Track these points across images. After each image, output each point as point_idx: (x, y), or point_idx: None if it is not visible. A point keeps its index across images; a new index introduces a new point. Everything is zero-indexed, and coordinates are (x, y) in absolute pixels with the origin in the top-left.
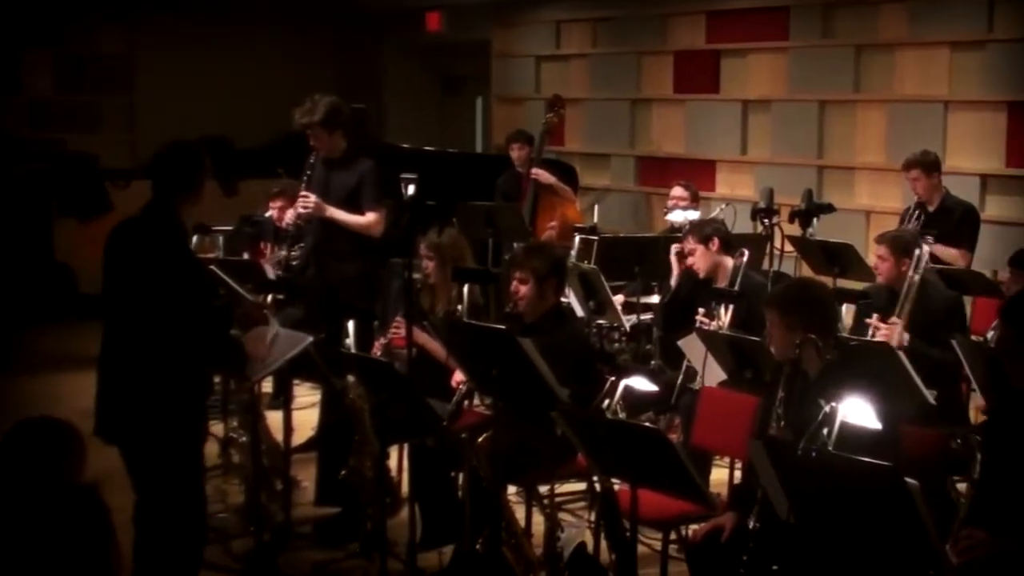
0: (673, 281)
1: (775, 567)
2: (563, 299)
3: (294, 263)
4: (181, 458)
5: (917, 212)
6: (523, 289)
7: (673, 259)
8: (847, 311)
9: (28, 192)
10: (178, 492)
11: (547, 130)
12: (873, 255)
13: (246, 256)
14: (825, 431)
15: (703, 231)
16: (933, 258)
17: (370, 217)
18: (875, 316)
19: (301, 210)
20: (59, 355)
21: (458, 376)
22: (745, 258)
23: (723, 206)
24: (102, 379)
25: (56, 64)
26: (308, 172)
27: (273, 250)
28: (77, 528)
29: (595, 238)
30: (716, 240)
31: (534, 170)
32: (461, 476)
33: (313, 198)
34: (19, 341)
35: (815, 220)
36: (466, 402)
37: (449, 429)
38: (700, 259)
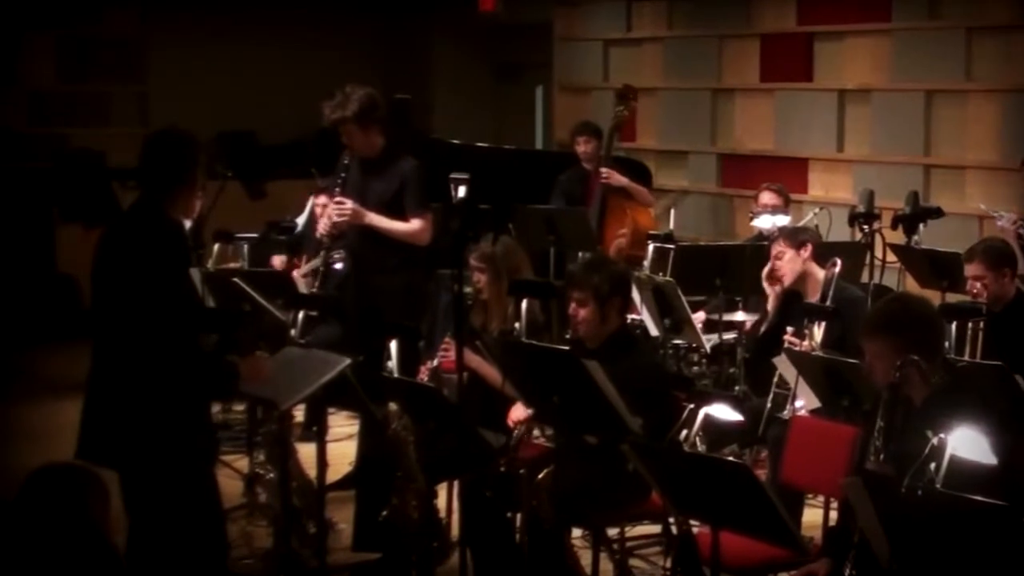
0: (769, 307)
1: None
2: (635, 316)
3: (337, 267)
4: (181, 490)
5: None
6: (582, 312)
7: (765, 283)
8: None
9: (27, 195)
10: (181, 528)
11: (617, 125)
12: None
13: (279, 266)
14: (932, 466)
15: (796, 235)
16: None
17: (415, 224)
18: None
19: (336, 218)
20: (62, 379)
21: (516, 414)
22: (838, 268)
23: (816, 210)
24: (88, 398)
25: (59, 49)
26: (342, 174)
27: (310, 259)
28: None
29: (671, 247)
30: (809, 247)
31: (604, 171)
32: (519, 517)
33: (349, 203)
34: (17, 363)
35: (921, 226)
36: (525, 436)
37: (504, 464)
38: (788, 264)
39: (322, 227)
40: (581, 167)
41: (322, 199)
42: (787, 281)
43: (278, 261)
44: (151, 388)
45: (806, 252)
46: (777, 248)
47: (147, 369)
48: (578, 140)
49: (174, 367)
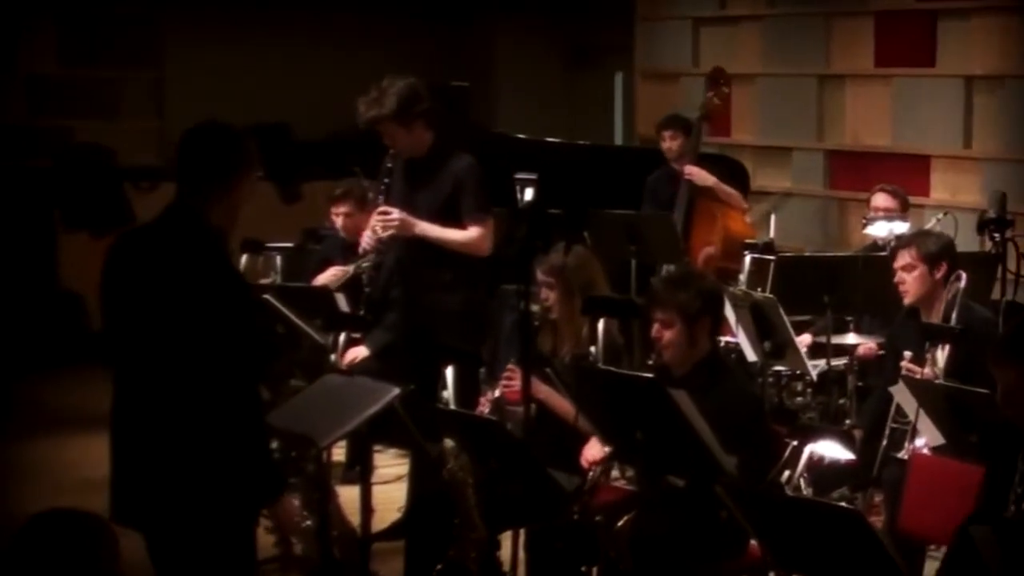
0: None
1: None
2: (730, 339)
3: (366, 289)
4: (223, 551)
5: None
6: (667, 334)
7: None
8: None
9: (25, 197)
10: None
11: (705, 115)
12: None
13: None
14: None
15: (930, 247)
16: None
17: (472, 232)
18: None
19: (381, 231)
20: (65, 410)
21: (590, 453)
22: (963, 283)
23: (940, 216)
24: (116, 445)
25: (61, 31)
26: (386, 179)
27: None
28: None
29: (772, 258)
30: (944, 267)
31: (687, 168)
32: (595, 571)
33: (396, 213)
34: (15, 392)
35: None
36: (601, 478)
37: (578, 512)
38: (916, 282)
39: (366, 241)
40: (670, 167)
41: (343, 208)
42: (909, 300)
43: (337, 271)
44: (202, 425)
45: (940, 273)
46: (905, 259)
47: (195, 402)
48: (663, 135)
49: (220, 408)
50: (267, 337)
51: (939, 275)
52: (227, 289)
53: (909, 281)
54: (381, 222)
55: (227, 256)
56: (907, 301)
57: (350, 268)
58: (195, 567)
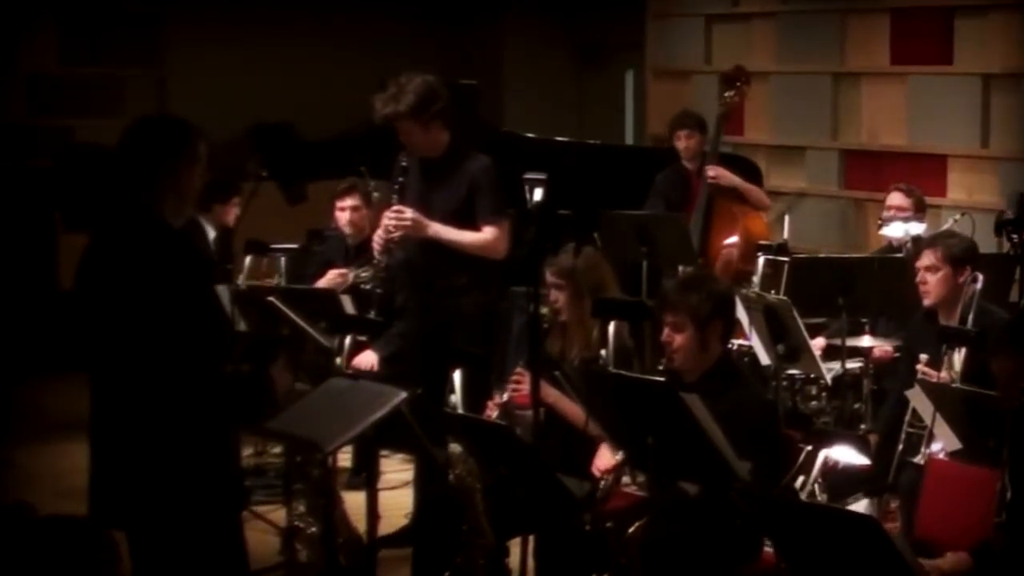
0: None
1: None
2: (743, 342)
3: (365, 286)
4: (200, 553)
5: None
6: (678, 338)
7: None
8: None
9: (24, 198)
10: None
11: (725, 114)
12: None
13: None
14: None
15: (955, 250)
16: None
17: (488, 233)
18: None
19: (394, 231)
20: (66, 414)
21: (601, 461)
22: (980, 284)
23: (957, 216)
24: (95, 448)
25: (62, 30)
26: (400, 178)
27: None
28: None
29: (786, 259)
30: (968, 270)
31: (710, 168)
32: None
33: (409, 213)
34: (13, 396)
35: None
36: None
37: (590, 522)
38: (939, 284)
39: (377, 241)
40: (681, 166)
41: (349, 201)
42: (930, 301)
43: (335, 275)
44: (165, 432)
45: (963, 277)
46: (930, 259)
47: (159, 409)
48: (678, 134)
49: (192, 404)
50: (267, 336)
51: (962, 279)
52: (175, 288)
53: (932, 283)
54: (394, 220)
55: (181, 251)
56: (927, 303)
57: (350, 275)
58: (173, 566)
